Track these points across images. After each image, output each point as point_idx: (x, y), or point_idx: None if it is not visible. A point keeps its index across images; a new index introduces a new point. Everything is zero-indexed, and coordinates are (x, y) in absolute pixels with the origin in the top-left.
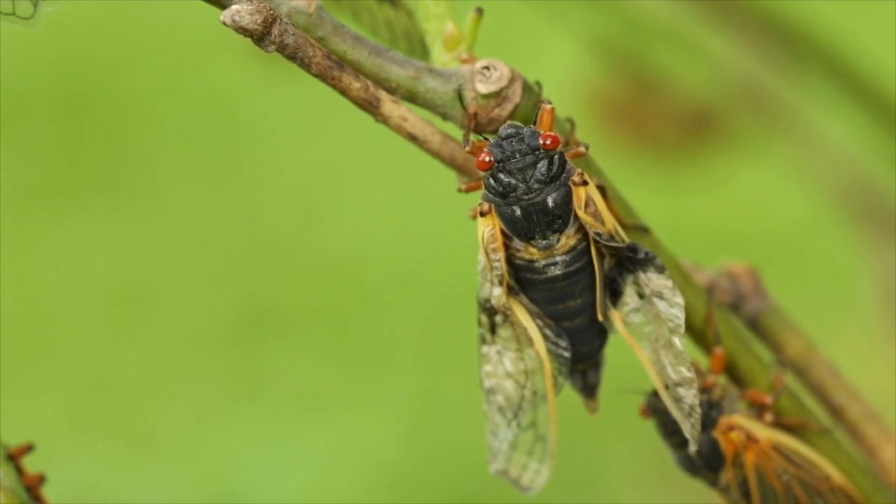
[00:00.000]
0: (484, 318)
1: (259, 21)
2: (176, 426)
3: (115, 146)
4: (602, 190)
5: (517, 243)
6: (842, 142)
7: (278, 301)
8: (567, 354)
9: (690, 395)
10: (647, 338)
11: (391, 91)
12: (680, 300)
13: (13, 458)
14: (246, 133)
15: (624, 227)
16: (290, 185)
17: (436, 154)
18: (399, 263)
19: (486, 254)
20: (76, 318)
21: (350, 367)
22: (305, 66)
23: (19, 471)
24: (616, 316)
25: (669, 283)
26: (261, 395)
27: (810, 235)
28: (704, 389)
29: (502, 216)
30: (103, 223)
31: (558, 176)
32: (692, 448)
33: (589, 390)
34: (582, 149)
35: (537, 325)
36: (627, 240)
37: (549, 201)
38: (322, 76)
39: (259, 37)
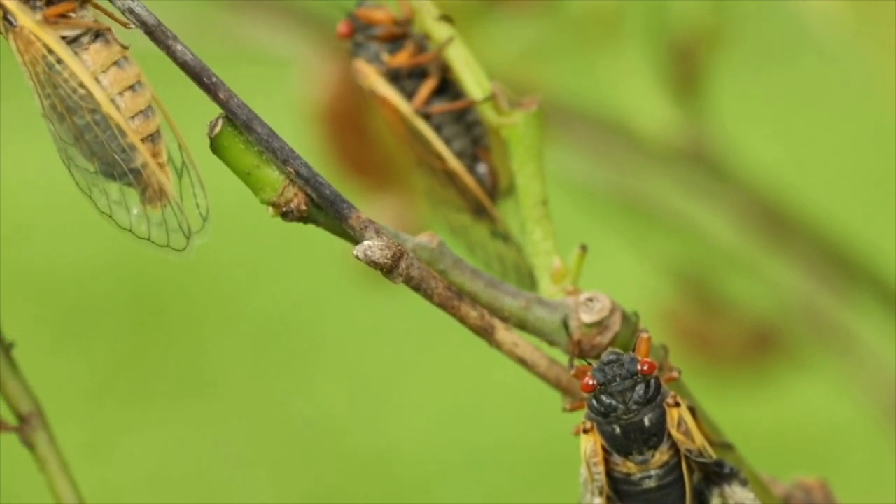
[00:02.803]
0: None
1: (389, 256)
2: None
3: (183, 347)
4: (692, 411)
5: (616, 458)
6: (890, 359)
7: (340, 488)
8: None
9: None
10: None
11: (504, 319)
12: None
13: None
14: (310, 333)
15: (711, 444)
16: (351, 375)
17: (543, 376)
18: (455, 454)
19: (588, 467)
20: None
21: None
22: (428, 296)
23: None
24: None
25: (751, 495)
26: None
27: (858, 441)
28: None
29: (603, 434)
30: (173, 418)
31: (654, 398)
32: None
33: None
34: (675, 373)
35: None
36: (714, 456)
37: (646, 421)
38: (442, 305)
39: (388, 270)
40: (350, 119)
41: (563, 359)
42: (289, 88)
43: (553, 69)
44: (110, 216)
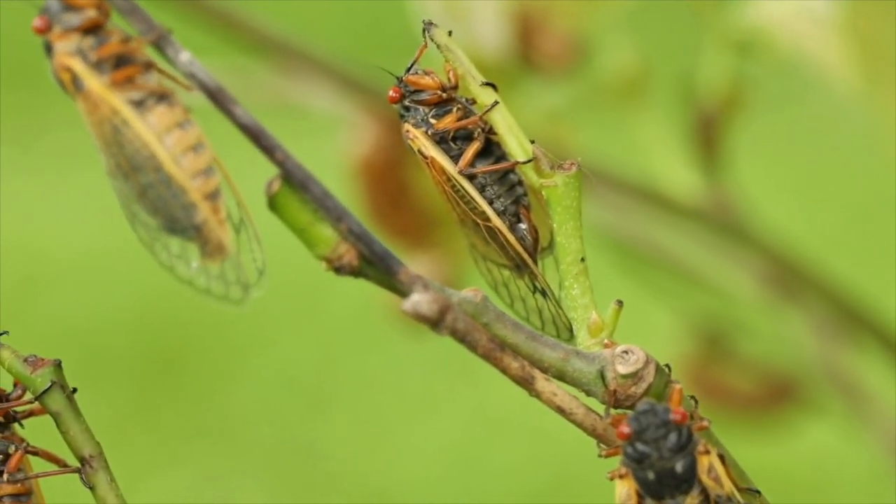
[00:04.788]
0: None
1: (436, 309)
2: None
3: (199, 397)
4: (721, 458)
5: (649, 502)
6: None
7: None
8: None
9: None
10: None
11: (543, 370)
12: None
13: None
14: (322, 383)
15: (738, 489)
16: (363, 424)
17: (579, 425)
18: (465, 498)
19: None
20: None
21: None
22: (472, 347)
23: None
24: None
25: None
26: None
27: (864, 482)
28: None
29: (638, 479)
30: (189, 464)
31: (686, 446)
32: None
33: None
34: (705, 423)
35: None
36: (742, 501)
37: (678, 468)
38: (486, 357)
39: (435, 323)
40: (390, 179)
41: (600, 408)
42: (330, 146)
43: (580, 130)
44: (171, 269)
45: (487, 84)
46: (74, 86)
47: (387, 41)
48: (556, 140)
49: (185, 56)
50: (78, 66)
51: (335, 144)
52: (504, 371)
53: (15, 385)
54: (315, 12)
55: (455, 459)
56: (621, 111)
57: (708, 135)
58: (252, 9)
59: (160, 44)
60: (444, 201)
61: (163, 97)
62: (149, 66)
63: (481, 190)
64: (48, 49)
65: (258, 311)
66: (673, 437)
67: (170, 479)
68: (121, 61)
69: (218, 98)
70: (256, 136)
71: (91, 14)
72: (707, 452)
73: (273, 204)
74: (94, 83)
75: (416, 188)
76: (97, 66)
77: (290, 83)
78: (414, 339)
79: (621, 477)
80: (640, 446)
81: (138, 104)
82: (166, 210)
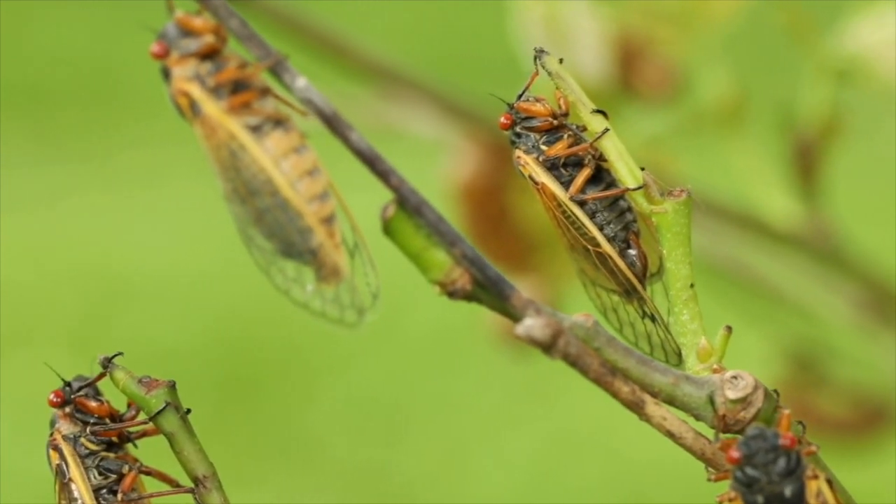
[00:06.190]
0: None
1: (548, 334)
2: None
3: (276, 421)
4: (829, 483)
5: None
6: None
7: None
8: None
9: None
10: None
11: (653, 395)
12: None
13: None
14: (399, 406)
15: None
16: (440, 445)
17: (689, 449)
18: None
19: None
20: None
21: None
22: (584, 372)
23: None
24: None
25: None
26: None
27: None
28: None
29: (747, 503)
30: (268, 488)
31: (795, 470)
32: None
33: None
34: (813, 448)
35: None
36: None
37: (787, 492)
38: (597, 381)
39: (547, 347)
40: (491, 204)
41: (709, 432)
42: (425, 167)
43: (679, 156)
44: (287, 293)
45: (598, 111)
46: (192, 111)
47: (487, 67)
48: (654, 166)
49: (301, 82)
50: (196, 91)
51: (434, 168)
52: (615, 395)
53: (129, 405)
54: (413, 36)
55: (530, 480)
56: (720, 138)
57: (806, 161)
58: (355, 33)
59: (277, 69)
60: (554, 227)
61: (279, 122)
62: (265, 91)
63: (592, 216)
64: (166, 74)
65: (335, 332)
66: (782, 462)
67: (248, 499)
68: (238, 87)
69: (333, 123)
70: (371, 162)
71: (209, 39)
72: (815, 477)
73: (388, 229)
74: (212, 108)
75: (517, 213)
76: (215, 91)
77: (393, 108)
78: (516, 361)
79: (731, 501)
80: (749, 471)
81: (255, 129)
82: (283, 234)
